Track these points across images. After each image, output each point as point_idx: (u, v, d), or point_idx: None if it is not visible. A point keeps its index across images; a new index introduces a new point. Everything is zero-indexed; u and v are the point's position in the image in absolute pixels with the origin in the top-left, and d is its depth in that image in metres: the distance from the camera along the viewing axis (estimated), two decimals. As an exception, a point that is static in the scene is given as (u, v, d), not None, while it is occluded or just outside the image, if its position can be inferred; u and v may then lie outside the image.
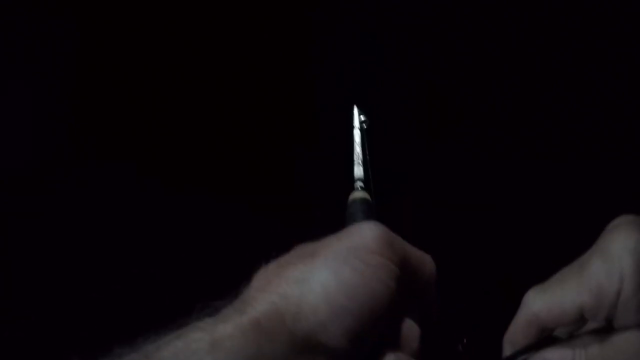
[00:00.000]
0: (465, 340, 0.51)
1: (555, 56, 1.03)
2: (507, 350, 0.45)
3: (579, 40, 1.01)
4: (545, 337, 0.44)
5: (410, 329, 0.38)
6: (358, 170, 0.55)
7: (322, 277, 0.33)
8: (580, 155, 1.02)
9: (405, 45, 1.06)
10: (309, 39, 1.10)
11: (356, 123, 0.63)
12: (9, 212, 0.97)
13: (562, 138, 1.03)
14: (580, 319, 0.42)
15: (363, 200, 0.51)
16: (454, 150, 1.05)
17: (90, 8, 1.04)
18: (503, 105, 1.05)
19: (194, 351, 0.31)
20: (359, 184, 0.53)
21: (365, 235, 0.36)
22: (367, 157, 0.58)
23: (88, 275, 0.98)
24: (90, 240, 1.02)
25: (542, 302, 0.42)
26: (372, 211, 0.49)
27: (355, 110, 0.66)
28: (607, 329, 0.41)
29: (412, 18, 1.05)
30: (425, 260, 0.41)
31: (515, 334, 0.43)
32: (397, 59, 1.07)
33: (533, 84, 1.04)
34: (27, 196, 1.00)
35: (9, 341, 0.88)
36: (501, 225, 1.00)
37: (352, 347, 0.33)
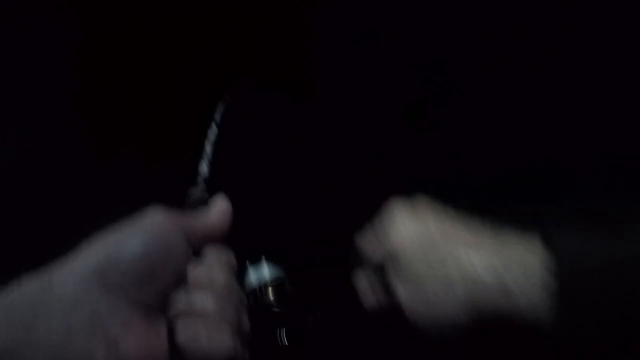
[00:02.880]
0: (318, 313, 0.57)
1: (555, 56, 1.03)
2: None
3: (579, 40, 1.01)
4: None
5: (208, 273, 0.45)
6: (202, 167, 0.61)
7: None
8: (581, 155, 1.02)
9: (401, 43, 1.06)
10: (309, 39, 1.11)
11: (216, 117, 0.67)
12: (7, 212, 0.98)
13: (562, 138, 1.03)
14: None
15: (199, 197, 0.58)
16: (448, 146, 1.05)
17: (90, 8, 1.05)
18: (503, 105, 1.05)
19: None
20: (200, 179, 0.60)
21: (144, 215, 0.45)
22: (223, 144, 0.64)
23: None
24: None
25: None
26: (206, 204, 0.54)
27: (221, 104, 0.69)
28: None
29: (408, 14, 1.06)
30: (203, 222, 0.48)
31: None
32: (392, 57, 1.07)
33: (533, 84, 1.04)
34: (24, 195, 1.01)
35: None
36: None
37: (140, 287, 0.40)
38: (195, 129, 1.12)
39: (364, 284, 0.59)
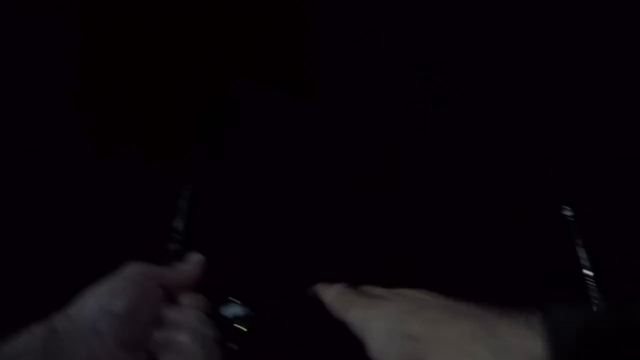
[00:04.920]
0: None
1: (555, 56, 1.03)
2: None
3: (578, 40, 1.01)
4: None
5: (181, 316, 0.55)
6: (179, 224, 0.68)
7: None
8: (580, 156, 1.02)
9: (401, 43, 1.06)
10: (309, 39, 1.11)
11: (191, 175, 0.75)
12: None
13: (563, 138, 1.03)
14: None
15: (175, 250, 0.66)
16: (450, 147, 1.05)
17: (90, 8, 1.05)
18: (503, 105, 1.05)
19: None
20: (177, 237, 0.67)
21: (124, 269, 0.55)
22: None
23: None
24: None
25: None
26: (182, 257, 0.63)
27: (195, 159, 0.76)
28: None
29: (408, 14, 1.06)
30: (175, 274, 0.59)
31: None
32: (392, 57, 1.07)
33: (533, 84, 1.04)
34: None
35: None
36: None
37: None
38: (194, 129, 1.12)
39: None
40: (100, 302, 0.51)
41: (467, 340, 0.46)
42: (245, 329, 0.63)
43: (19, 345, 0.47)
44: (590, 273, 0.93)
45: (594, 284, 0.92)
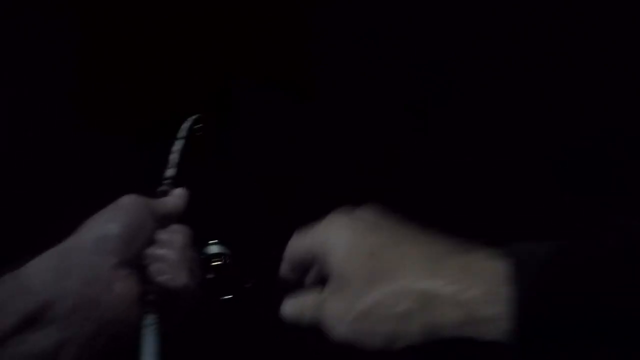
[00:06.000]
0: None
1: (555, 56, 1.03)
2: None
3: (579, 40, 1.01)
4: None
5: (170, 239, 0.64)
6: (169, 172, 0.75)
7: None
8: (579, 154, 1.02)
9: (401, 43, 1.06)
10: (309, 38, 1.11)
11: (182, 134, 0.83)
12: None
13: (562, 137, 1.03)
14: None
15: (165, 191, 0.74)
16: (450, 147, 1.05)
17: (90, 8, 1.05)
18: (503, 105, 1.05)
19: None
20: (166, 181, 0.74)
21: (120, 201, 0.64)
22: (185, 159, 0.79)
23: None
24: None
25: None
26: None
27: (188, 123, 0.85)
28: None
29: (408, 14, 1.06)
30: (166, 202, 0.69)
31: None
32: (392, 57, 1.07)
33: (533, 84, 1.04)
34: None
35: None
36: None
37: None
38: (195, 129, 1.12)
39: (294, 305, 0.58)
40: (99, 227, 0.59)
41: (429, 259, 0.46)
42: (222, 262, 0.72)
43: (33, 268, 0.55)
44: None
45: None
